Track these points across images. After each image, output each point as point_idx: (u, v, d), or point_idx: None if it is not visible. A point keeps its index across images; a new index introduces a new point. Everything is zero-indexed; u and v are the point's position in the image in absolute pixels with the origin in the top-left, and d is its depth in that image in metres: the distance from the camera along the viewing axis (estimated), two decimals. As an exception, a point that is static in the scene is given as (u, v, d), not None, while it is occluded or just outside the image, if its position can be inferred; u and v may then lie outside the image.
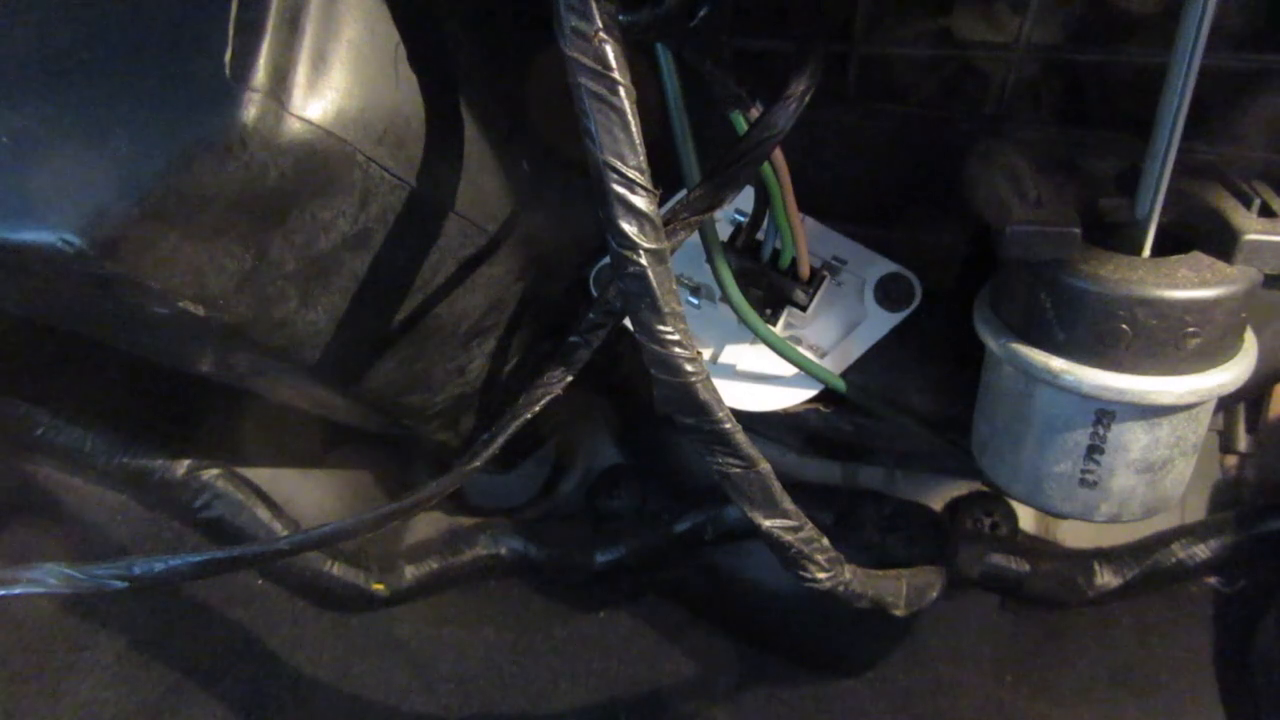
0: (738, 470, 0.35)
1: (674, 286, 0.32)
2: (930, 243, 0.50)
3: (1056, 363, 0.39)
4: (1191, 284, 0.36)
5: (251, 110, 0.32)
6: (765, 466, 0.35)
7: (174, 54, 0.33)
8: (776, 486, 0.35)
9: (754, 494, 0.35)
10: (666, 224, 0.38)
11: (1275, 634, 0.57)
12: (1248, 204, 0.39)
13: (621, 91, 0.30)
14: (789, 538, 0.36)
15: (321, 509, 0.63)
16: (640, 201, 0.31)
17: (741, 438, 0.35)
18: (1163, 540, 0.60)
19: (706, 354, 0.52)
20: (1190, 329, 0.37)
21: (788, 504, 0.36)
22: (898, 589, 0.47)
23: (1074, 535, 0.64)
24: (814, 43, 0.39)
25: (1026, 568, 0.59)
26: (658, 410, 0.35)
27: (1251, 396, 0.62)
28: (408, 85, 0.38)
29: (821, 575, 0.37)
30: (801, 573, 0.37)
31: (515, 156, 0.45)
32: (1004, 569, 0.59)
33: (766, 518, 0.35)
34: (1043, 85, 0.46)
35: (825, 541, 0.38)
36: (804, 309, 0.48)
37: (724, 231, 0.48)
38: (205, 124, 0.32)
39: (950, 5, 0.45)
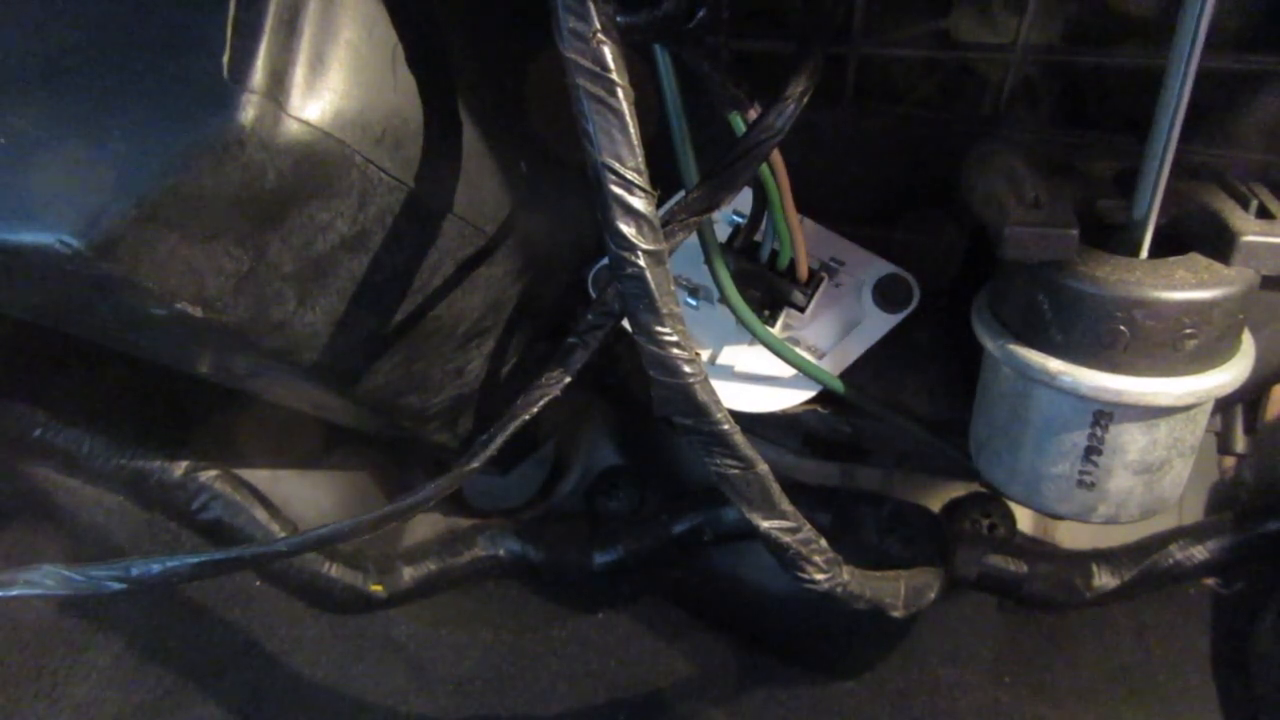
0: (736, 471, 0.35)
1: (672, 288, 0.32)
2: (928, 244, 0.50)
3: (1054, 364, 0.39)
4: (1189, 285, 0.36)
5: (249, 111, 0.32)
6: (763, 468, 0.35)
7: (172, 55, 0.33)
8: (775, 488, 0.35)
9: (752, 495, 0.35)
10: (665, 225, 0.38)
11: (1273, 635, 0.57)
12: (1245, 205, 0.39)
13: (620, 93, 0.30)
14: (787, 539, 0.36)
15: (320, 510, 0.63)
16: (638, 203, 0.31)
17: (740, 439, 0.35)
18: (1160, 541, 0.60)
19: (705, 355, 0.52)
20: (1188, 330, 0.37)
21: (786, 505, 0.36)
22: (896, 590, 0.47)
23: (1072, 536, 0.64)
24: (812, 44, 0.40)
25: (1024, 569, 0.59)
26: (656, 411, 0.35)
27: (1249, 398, 0.62)
28: (406, 86, 0.38)
29: (819, 576, 0.37)
30: (799, 574, 0.37)
31: (513, 158, 0.45)
32: (1002, 570, 0.59)
33: (765, 519, 0.35)
34: (1041, 87, 0.46)
35: (823, 542, 0.38)
36: (802, 310, 0.48)
37: (722, 233, 0.48)
38: (203, 125, 0.32)
39: (948, 7, 0.45)
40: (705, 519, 0.64)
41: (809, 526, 0.36)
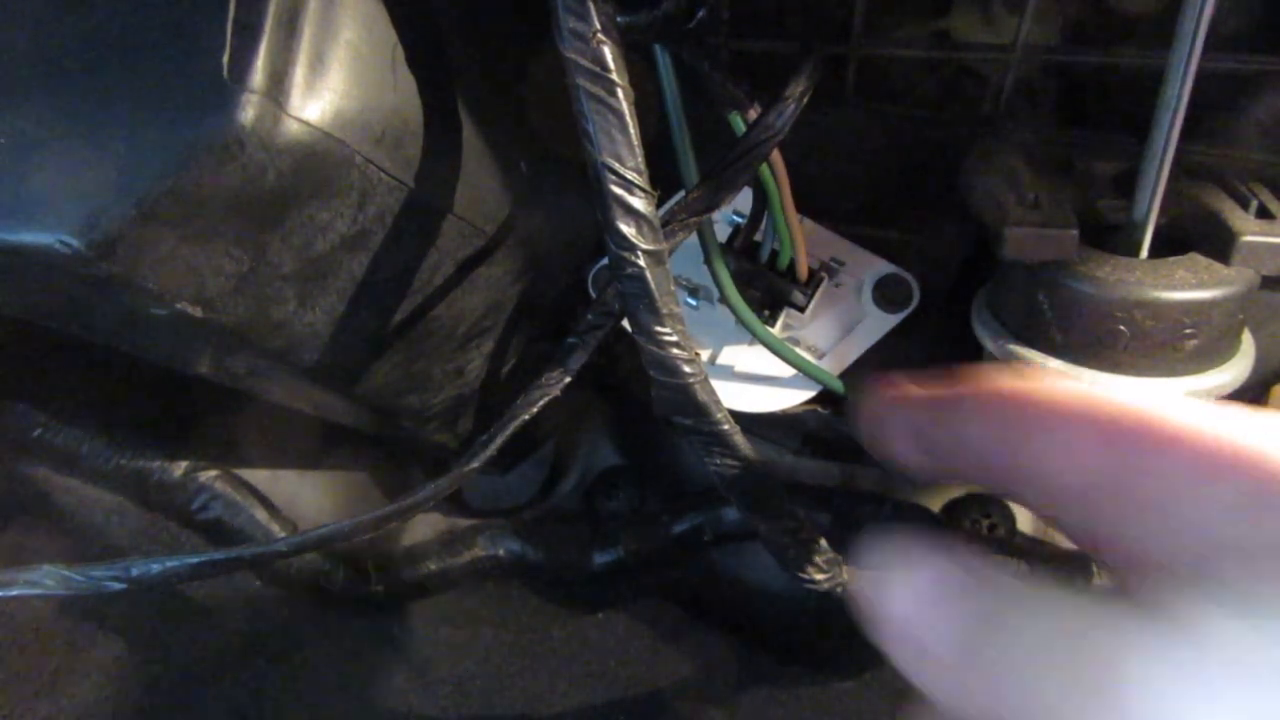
0: (736, 471, 0.35)
1: (672, 288, 0.32)
2: (928, 244, 0.50)
3: (1054, 364, 0.39)
4: (1189, 285, 0.36)
5: (249, 111, 0.32)
6: (765, 467, 0.35)
7: (172, 55, 0.33)
8: (776, 488, 0.35)
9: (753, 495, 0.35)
10: (664, 225, 0.38)
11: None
12: (1245, 205, 0.39)
13: (620, 93, 0.30)
14: (788, 539, 0.36)
15: (320, 510, 0.63)
16: (638, 203, 0.31)
17: (739, 439, 0.35)
18: (1160, 541, 0.60)
19: (705, 355, 0.52)
20: (1188, 330, 0.37)
21: (787, 505, 0.36)
22: (896, 590, 0.47)
23: (1072, 536, 0.64)
24: (812, 44, 0.40)
25: (1024, 569, 0.59)
26: (656, 411, 0.35)
27: (1249, 398, 0.62)
28: (406, 86, 0.38)
29: (819, 576, 0.37)
30: (799, 573, 0.37)
31: (513, 157, 0.45)
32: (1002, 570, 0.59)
33: (765, 519, 0.35)
34: (1040, 87, 0.46)
35: (823, 542, 0.38)
36: (802, 310, 0.48)
37: (722, 233, 0.48)
38: (203, 125, 0.32)
39: (948, 7, 0.45)
40: (705, 519, 0.64)
41: (809, 526, 0.36)
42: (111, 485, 0.56)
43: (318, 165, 0.35)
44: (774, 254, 0.47)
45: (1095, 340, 0.38)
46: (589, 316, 0.40)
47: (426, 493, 0.40)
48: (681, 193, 0.40)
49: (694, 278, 0.52)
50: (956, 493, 0.66)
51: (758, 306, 0.48)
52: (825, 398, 0.51)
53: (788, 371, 0.50)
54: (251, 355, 0.41)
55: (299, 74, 0.33)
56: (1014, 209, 0.38)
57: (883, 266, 0.50)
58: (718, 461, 0.35)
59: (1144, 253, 0.38)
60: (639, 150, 0.31)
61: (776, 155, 0.41)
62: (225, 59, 0.32)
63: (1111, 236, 0.39)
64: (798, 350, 0.48)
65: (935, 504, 0.65)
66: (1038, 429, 0.20)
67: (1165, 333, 0.37)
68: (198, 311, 0.36)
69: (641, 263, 0.31)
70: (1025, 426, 0.20)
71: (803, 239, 0.46)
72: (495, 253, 0.46)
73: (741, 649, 0.64)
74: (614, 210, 0.31)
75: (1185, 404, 0.18)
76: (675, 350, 0.33)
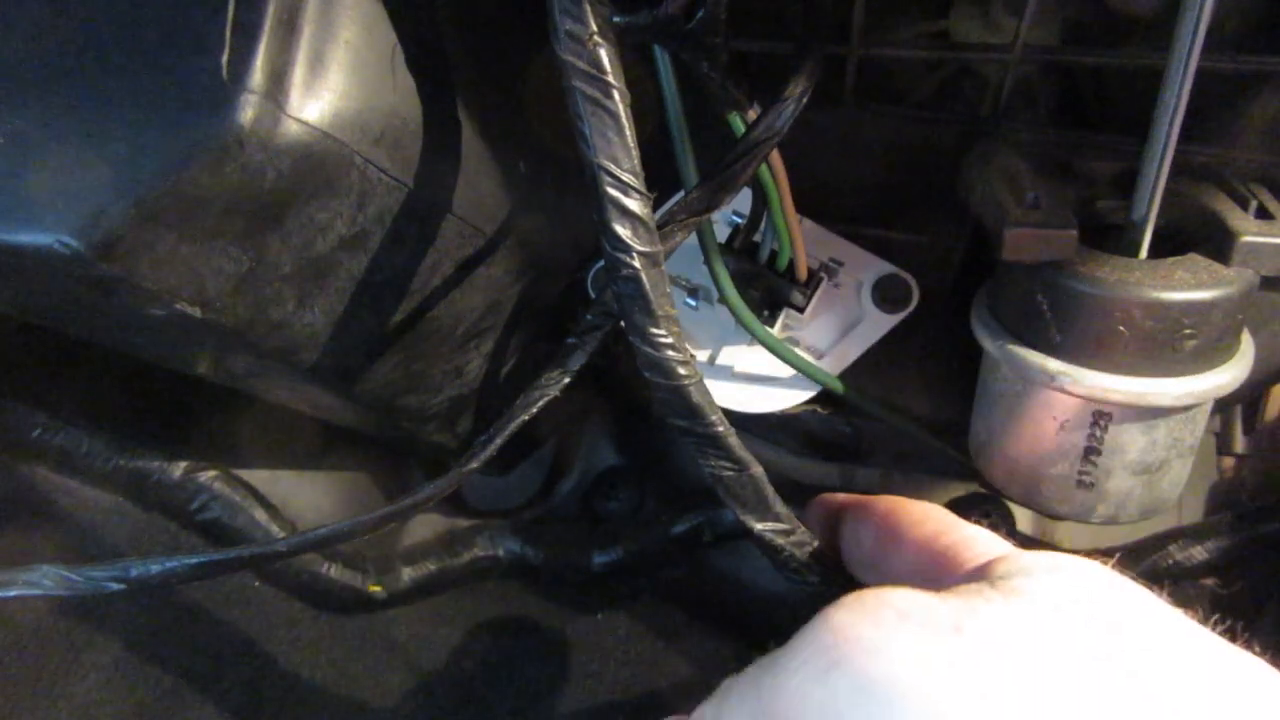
0: (730, 473, 0.35)
1: (668, 289, 0.32)
2: (928, 245, 0.50)
3: (1053, 364, 0.39)
4: (1188, 285, 0.36)
5: (249, 112, 0.32)
6: (758, 470, 0.35)
7: (171, 56, 0.33)
8: (769, 490, 0.35)
9: (746, 497, 0.35)
10: (663, 226, 0.38)
11: (1272, 635, 0.57)
12: (1244, 206, 0.39)
13: (615, 95, 0.30)
14: (781, 541, 0.36)
15: (319, 511, 0.63)
16: (634, 204, 0.31)
17: (734, 440, 0.35)
18: (1160, 542, 0.60)
19: (704, 356, 0.52)
20: (1187, 330, 0.37)
21: (780, 507, 0.36)
22: (895, 591, 0.46)
23: (1071, 537, 0.64)
24: (811, 45, 0.40)
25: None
26: (655, 412, 0.35)
27: (1248, 398, 0.62)
28: (405, 86, 0.38)
29: (814, 579, 0.37)
30: (793, 575, 0.37)
31: (512, 158, 0.45)
32: (1002, 570, 0.59)
33: (759, 521, 0.35)
34: (1040, 87, 0.46)
35: (816, 544, 0.38)
36: (801, 310, 0.48)
37: (722, 233, 0.48)
38: (202, 126, 0.32)
39: (948, 7, 0.45)
40: (705, 520, 0.64)
41: (803, 528, 0.36)
42: (111, 485, 0.56)
43: (317, 165, 0.35)
44: (773, 254, 0.47)
45: (1094, 340, 0.38)
46: (588, 317, 0.40)
47: (426, 493, 0.40)
48: (681, 193, 0.40)
49: (694, 278, 0.52)
50: (957, 492, 0.66)
51: (757, 307, 0.48)
52: (825, 398, 0.51)
53: (787, 371, 0.50)
54: (251, 355, 0.41)
55: (298, 74, 0.34)
56: (1014, 209, 0.38)
57: (882, 266, 0.50)
58: (712, 463, 0.35)
59: (1144, 253, 0.38)
60: (635, 152, 0.31)
61: (776, 155, 0.41)
62: (224, 59, 0.32)
63: (1111, 236, 0.39)
64: (797, 350, 0.48)
65: (939, 503, 0.65)
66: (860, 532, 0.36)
67: (1164, 333, 0.37)
68: (197, 311, 0.36)
69: (637, 264, 0.31)
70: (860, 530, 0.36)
71: (802, 239, 0.46)
72: (495, 253, 0.46)
73: (741, 649, 0.64)
74: (609, 212, 0.31)
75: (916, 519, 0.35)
76: (670, 352, 0.32)
